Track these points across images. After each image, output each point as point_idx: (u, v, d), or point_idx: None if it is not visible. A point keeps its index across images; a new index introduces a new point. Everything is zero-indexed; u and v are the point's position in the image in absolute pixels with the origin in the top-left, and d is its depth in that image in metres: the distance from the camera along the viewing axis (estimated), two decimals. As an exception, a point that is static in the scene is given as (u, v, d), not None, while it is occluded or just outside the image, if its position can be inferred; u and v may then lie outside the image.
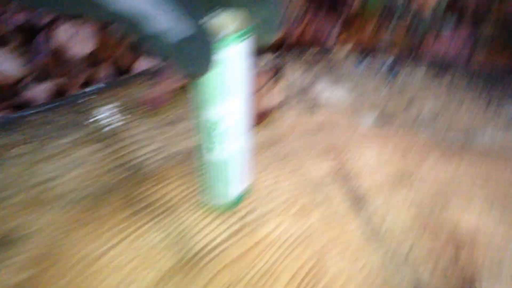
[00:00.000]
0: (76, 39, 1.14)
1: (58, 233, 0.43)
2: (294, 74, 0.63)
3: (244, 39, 0.35)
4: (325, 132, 0.56)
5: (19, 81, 1.15)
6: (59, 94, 1.03)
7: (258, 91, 0.58)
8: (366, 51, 0.66)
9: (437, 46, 0.99)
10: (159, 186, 0.50)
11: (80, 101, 0.60)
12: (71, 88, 1.08)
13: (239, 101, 0.40)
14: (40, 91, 1.09)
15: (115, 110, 0.59)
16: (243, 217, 0.46)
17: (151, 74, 0.64)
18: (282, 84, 0.60)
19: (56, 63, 1.16)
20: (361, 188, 0.49)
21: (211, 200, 0.46)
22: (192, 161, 0.53)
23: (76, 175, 0.51)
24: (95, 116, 0.58)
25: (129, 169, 0.52)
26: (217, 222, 0.45)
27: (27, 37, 1.23)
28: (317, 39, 1.17)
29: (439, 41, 1.02)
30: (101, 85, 0.62)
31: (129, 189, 0.49)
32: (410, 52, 0.97)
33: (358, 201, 0.47)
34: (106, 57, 1.19)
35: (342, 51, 0.66)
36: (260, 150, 0.54)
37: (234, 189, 0.45)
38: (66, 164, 0.52)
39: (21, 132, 0.55)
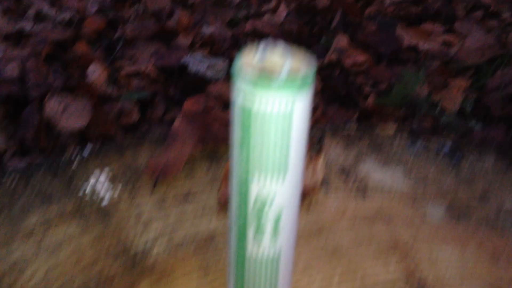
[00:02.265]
0: (67, 113, 1.03)
1: None
2: (335, 149, 0.52)
3: (309, 87, 0.25)
4: (383, 223, 0.43)
5: (2, 154, 1.02)
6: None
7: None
8: (416, 132, 0.56)
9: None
10: (167, 284, 0.36)
11: (71, 166, 0.47)
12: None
13: (300, 172, 0.28)
14: (23, 165, 0.96)
15: (112, 178, 0.47)
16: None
17: (160, 137, 0.53)
18: (321, 157, 0.48)
19: (45, 137, 1.04)
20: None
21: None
22: (213, 252, 0.40)
23: (56, 262, 0.37)
24: (88, 185, 0.45)
25: (128, 258, 0.38)
26: None
27: (15, 109, 1.13)
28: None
29: (470, 138, 0.93)
30: (98, 149, 0.50)
31: (126, 286, 0.35)
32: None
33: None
34: (98, 135, 1.08)
35: (388, 128, 0.55)
36: (301, 240, 0.41)
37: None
38: (47, 246, 0.39)
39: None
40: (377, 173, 0.49)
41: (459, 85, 1.21)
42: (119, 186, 0.46)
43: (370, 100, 1.20)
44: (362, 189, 0.47)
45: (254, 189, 0.28)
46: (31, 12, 1.69)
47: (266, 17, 1.68)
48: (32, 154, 1.04)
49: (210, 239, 0.42)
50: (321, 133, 0.54)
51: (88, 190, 0.45)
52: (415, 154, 0.52)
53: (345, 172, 0.50)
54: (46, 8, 1.71)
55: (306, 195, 0.45)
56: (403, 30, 1.49)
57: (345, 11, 1.56)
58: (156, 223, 0.43)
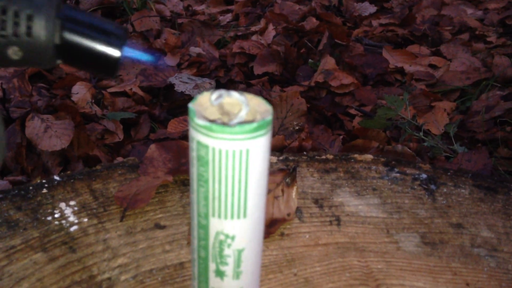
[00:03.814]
0: (48, 134, 1.02)
1: None
2: (309, 179, 0.52)
3: (267, 131, 0.25)
4: (355, 254, 0.43)
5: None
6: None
7: (268, 193, 0.46)
8: (392, 160, 0.55)
9: (452, 166, 0.90)
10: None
11: (40, 193, 0.46)
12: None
13: (261, 209, 0.28)
14: (2, 186, 0.94)
15: (81, 207, 0.46)
16: None
17: (131, 166, 0.52)
18: (294, 188, 0.47)
19: (25, 158, 1.03)
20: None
21: None
22: (181, 282, 0.39)
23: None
24: (56, 213, 0.44)
25: (92, 286, 0.38)
26: None
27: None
28: (319, 148, 1.08)
29: (453, 164, 0.93)
30: (69, 174, 0.49)
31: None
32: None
33: None
34: (80, 155, 1.07)
35: (364, 158, 0.55)
36: (271, 271, 0.40)
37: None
38: (10, 275, 0.38)
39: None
40: (351, 204, 0.49)
41: (444, 108, 1.21)
42: (88, 213, 0.45)
43: (356, 122, 1.20)
44: (337, 218, 0.47)
45: (214, 225, 0.28)
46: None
47: (254, 37, 1.68)
48: (13, 174, 1.03)
49: (180, 268, 0.41)
50: (296, 163, 0.53)
51: (56, 216, 0.44)
52: (391, 182, 0.52)
53: (320, 201, 0.49)
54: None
55: (279, 225, 0.45)
56: (389, 52, 1.50)
57: (332, 34, 1.56)
58: (125, 250, 0.42)
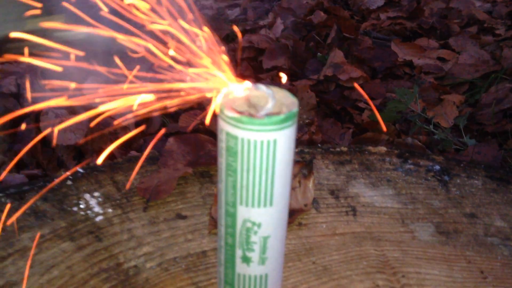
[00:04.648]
0: (63, 129, 1.04)
1: None
2: (325, 171, 0.53)
3: (293, 123, 0.26)
4: (371, 243, 0.44)
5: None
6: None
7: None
8: (406, 152, 0.56)
9: (463, 158, 0.91)
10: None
11: (65, 185, 0.48)
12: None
13: (286, 199, 0.29)
14: (19, 179, 0.96)
15: (106, 198, 0.47)
16: None
17: (151, 159, 0.53)
18: (311, 179, 0.49)
19: (41, 152, 1.05)
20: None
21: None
22: (204, 269, 0.40)
23: (50, 278, 0.38)
24: (81, 204, 0.46)
25: (119, 274, 0.39)
26: None
27: (11, 124, 1.14)
28: (329, 141, 1.09)
29: (463, 156, 0.94)
30: (92, 167, 0.51)
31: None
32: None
33: None
34: (94, 149, 1.09)
35: (378, 150, 0.56)
36: (290, 260, 0.42)
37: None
38: (41, 263, 0.39)
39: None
40: (366, 195, 0.50)
41: (453, 101, 1.22)
42: (112, 204, 0.46)
43: (365, 115, 1.21)
44: (352, 209, 0.48)
45: (242, 213, 0.29)
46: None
47: (263, 31, 1.69)
48: (29, 168, 1.05)
49: (202, 256, 0.42)
50: (312, 155, 0.54)
51: (81, 207, 0.45)
52: (405, 173, 0.53)
53: (336, 192, 0.50)
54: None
55: (297, 215, 0.46)
56: (398, 45, 1.50)
57: (340, 27, 1.57)
58: (149, 239, 0.43)
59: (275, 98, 0.27)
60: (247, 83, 0.28)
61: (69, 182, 0.48)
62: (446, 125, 1.15)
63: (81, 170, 0.49)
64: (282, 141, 0.27)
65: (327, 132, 1.15)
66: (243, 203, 0.29)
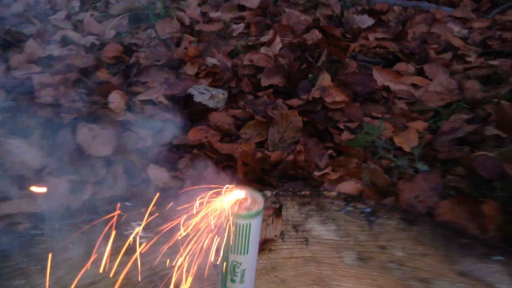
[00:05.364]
0: (96, 142, 1.29)
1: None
2: (289, 211, 0.78)
3: (261, 214, 0.51)
4: (314, 264, 0.69)
5: (40, 170, 1.28)
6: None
7: (263, 222, 0.72)
8: (350, 197, 0.82)
9: (410, 188, 1.16)
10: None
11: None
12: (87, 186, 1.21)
13: (256, 251, 0.54)
14: (59, 183, 1.21)
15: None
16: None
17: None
18: (280, 219, 0.74)
19: (78, 159, 1.30)
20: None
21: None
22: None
23: None
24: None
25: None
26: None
27: (50, 131, 1.38)
28: (308, 165, 1.34)
29: (413, 181, 1.18)
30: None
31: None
32: (385, 197, 1.14)
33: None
34: (120, 159, 1.34)
35: (330, 195, 0.81)
36: (261, 274, 0.67)
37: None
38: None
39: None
40: (316, 230, 0.75)
41: (417, 127, 1.46)
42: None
43: (343, 137, 1.45)
44: (306, 240, 0.73)
45: (231, 257, 0.54)
46: (57, 36, 1.93)
47: (263, 49, 1.92)
48: (68, 172, 1.30)
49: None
50: (284, 198, 0.79)
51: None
52: (346, 213, 0.78)
53: (296, 227, 0.76)
54: (70, 33, 1.95)
55: (268, 243, 0.71)
56: (378, 71, 1.73)
57: (330, 52, 1.80)
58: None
59: (253, 201, 0.52)
60: (243, 193, 0.52)
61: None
62: (408, 150, 1.39)
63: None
64: (254, 223, 0.52)
65: (310, 151, 1.39)
66: (232, 252, 0.54)
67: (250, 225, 0.52)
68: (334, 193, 0.82)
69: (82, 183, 1.21)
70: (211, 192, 0.51)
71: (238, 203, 0.52)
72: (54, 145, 1.33)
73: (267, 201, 0.79)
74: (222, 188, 0.52)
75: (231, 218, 0.51)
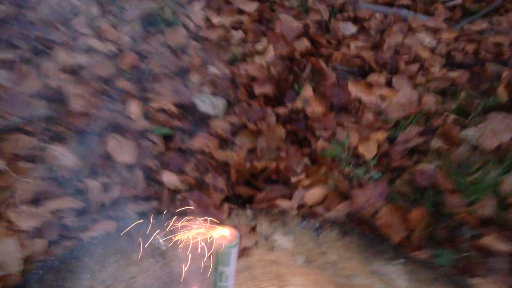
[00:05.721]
0: (122, 151, 1.64)
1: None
2: (263, 226, 1.15)
3: (237, 244, 0.87)
4: (276, 265, 1.06)
5: (78, 173, 1.64)
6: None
7: (241, 237, 1.09)
8: (306, 215, 1.18)
9: (362, 193, 1.50)
10: None
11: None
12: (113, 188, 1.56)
13: (235, 264, 0.91)
14: (94, 184, 1.57)
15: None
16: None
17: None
18: (255, 233, 1.10)
19: (107, 166, 1.65)
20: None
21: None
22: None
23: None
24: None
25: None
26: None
27: (83, 139, 1.73)
28: (287, 171, 1.68)
29: (365, 188, 1.53)
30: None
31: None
32: (346, 199, 1.49)
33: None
34: (139, 166, 1.69)
35: (292, 213, 1.17)
36: (240, 272, 1.04)
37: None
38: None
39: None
40: (281, 238, 1.12)
41: (377, 138, 1.79)
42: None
43: (318, 145, 1.79)
44: (272, 247, 1.10)
45: (220, 268, 0.90)
46: (80, 43, 2.24)
47: (257, 58, 2.23)
48: (100, 175, 1.65)
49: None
50: (258, 218, 1.16)
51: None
52: (302, 227, 1.15)
53: (267, 237, 1.12)
54: (91, 40, 2.26)
55: (246, 250, 1.08)
56: (353, 83, 2.05)
57: (313, 65, 2.12)
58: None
59: (231, 236, 0.87)
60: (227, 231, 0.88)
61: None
62: (368, 159, 1.72)
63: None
64: (233, 250, 0.88)
65: (290, 158, 1.73)
66: (219, 264, 0.90)
67: (231, 251, 0.88)
68: (295, 211, 1.18)
69: (112, 184, 1.57)
70: (206, 225, 0.87)
71: (223, 237, 0.88)
72: (87, 152, 1.68)
73: (248, 219, 1.15)
74: (215, 225, 0.88)
75: (220, 247, 0.87)
